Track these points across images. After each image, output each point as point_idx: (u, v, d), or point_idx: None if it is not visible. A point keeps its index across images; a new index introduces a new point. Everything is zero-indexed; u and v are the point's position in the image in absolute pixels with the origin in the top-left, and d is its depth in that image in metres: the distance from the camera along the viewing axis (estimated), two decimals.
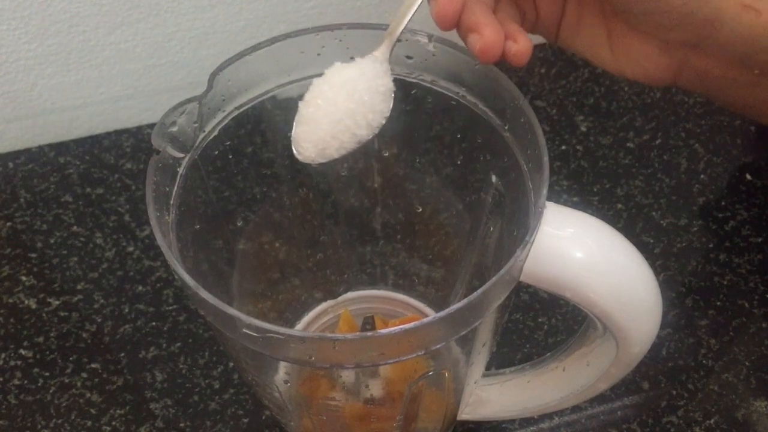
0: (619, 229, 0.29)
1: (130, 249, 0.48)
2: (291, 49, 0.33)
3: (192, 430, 0.41)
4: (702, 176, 0.51)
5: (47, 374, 0.43)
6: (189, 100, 0.30)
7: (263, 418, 0.42)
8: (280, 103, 0.34)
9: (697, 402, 0.42)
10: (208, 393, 0.43)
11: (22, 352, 0.44)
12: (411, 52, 0.33)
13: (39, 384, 0.43)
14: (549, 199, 0.28)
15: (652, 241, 0.48)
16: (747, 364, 0.43)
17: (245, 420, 0.42)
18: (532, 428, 0.42)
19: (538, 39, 0.59)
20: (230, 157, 0.34)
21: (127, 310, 0.46)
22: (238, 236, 0.39)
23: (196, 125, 0.31)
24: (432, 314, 0.32)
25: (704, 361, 0.43)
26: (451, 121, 0.35)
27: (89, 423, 0.42)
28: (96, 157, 0.53)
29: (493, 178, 0.35)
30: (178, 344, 0.44)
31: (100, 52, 0.51)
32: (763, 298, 0.46)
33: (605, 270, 0.28)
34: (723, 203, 0.50)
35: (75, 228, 0.49)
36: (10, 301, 0.46)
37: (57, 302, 0.46)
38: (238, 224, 0.38)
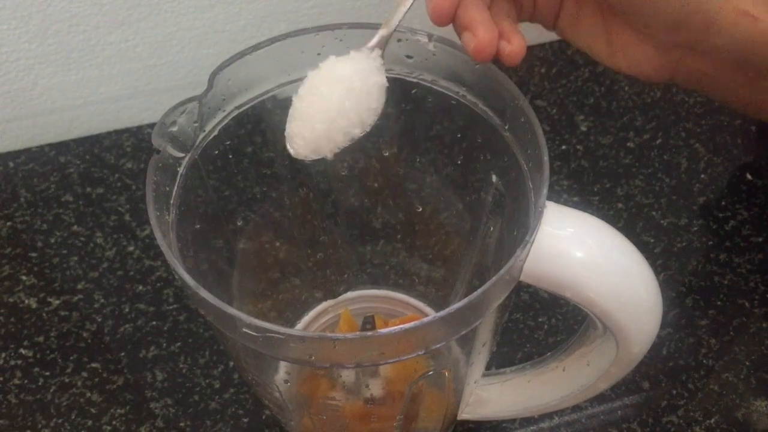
0: (619, 229, 0.29)
1: (131, 248, 0.48)
2: (291, 49, 0.33)
3: (192, 430, 0.41)
4: (702, 176, 0.51)
5: (47, 374, 0.43)
6: (189, 100, 0.30)
7: (263, 417, 0.42)
8: (280, 103, 0.34)
9: (698, 402, 0.42)
10: (209, 392, 0.43)
11: (23, 351, 0.44)
12: (411, 52, 0.33)
13: (39, 383, 0.43)
14: (549, 198, 0.28)
15: (652, 240, 0.48)
16: (747, 363, 0.43)
17: (245, 419, 0.42)
18: (532, 428, 0.42)
19: (538, 39, 0.59)
20: (230, 156, 0.34)
21: (127, 310, 0.46)
22: (238, 236, 0.39)
23: (196, 125, 0.31)
24: (432, 314, 0.32)
25: (704, 361, 0.43)
26: (452, 120, 0.35)
27: (89, 422, 0.42)
28: (96, 157, 0.53)
29: (494, 178, 0.35)
30: (179, 344, 0.44)
31: (100, 52, 0.51)
32: (763, 297, 0.46)
33: (605, 270, 0.28)
34: (723, 203, 0.50)
35: (75, 227, 0.49)
36: (11, 300, 0.46)
37: (57, 302, 0.46)
38: (238, 224, 0.38)
